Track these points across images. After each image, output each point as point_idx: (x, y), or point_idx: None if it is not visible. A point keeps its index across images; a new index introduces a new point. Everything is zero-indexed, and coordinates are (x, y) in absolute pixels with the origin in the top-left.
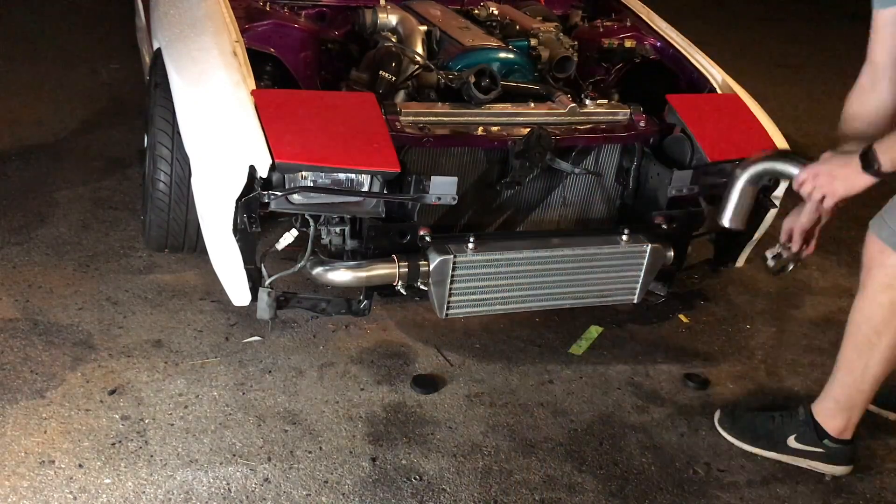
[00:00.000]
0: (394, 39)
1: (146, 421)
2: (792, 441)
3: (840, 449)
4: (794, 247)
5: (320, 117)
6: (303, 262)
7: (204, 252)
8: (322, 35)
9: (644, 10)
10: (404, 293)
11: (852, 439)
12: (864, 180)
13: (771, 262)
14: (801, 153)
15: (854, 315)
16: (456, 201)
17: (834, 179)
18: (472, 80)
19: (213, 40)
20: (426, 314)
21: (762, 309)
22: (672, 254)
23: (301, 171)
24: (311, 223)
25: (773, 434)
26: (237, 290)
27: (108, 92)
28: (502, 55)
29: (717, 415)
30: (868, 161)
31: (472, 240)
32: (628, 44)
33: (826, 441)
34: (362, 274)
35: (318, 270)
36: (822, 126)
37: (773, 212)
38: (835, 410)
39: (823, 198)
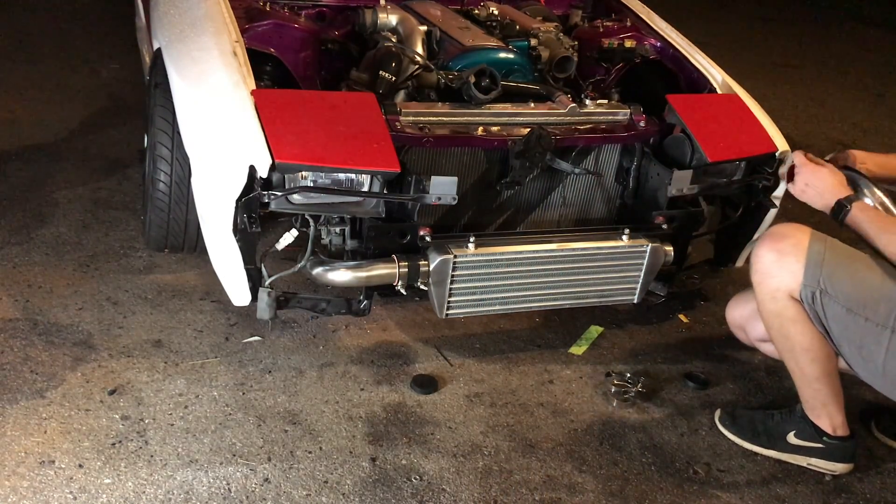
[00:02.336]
0: (394, 39)
1: (146, 421)
2: (791, 437)
3: (839, 445)
4: None
5: (320, 117)
6: (303, 262)
7: (204, 252)
8: (322, 35)
9: (644, 10)
10: (404, 293)
11: (852, 436)
12: (826, 208)
13: None
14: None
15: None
16: (456, 201)
17: (818, 195)
18: (472, 80)
19: (213, 40)
20: (426, 314)
21: None
22: (672, 254)
23: (301, 171)
24: (311, 223)
25: (773, 431)
26: (237, 290)
27: (108, 92)
28: (502, 55)
29: (717, 413)
30: (839, 211)
31: (472, 240)
32: (628, 44)
33: (825, 438)
34: (362, 274)
35: (318, 270)
36: (822, 126)
37: (773, 212)
38: (812, 411)
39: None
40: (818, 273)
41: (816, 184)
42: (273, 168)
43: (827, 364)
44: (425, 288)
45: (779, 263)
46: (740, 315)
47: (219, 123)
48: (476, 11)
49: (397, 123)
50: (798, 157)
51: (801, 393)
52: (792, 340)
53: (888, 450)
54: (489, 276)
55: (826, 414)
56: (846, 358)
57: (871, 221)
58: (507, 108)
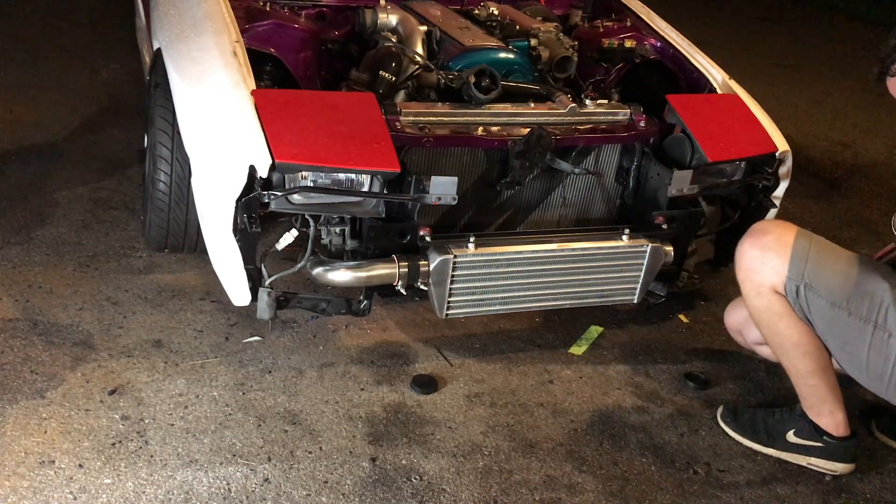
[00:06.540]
0: (394, 39)
1: (146, 421)
2: (791, 436)
3: (839, 445)
4: None
5: (320, 117)
6: (303, 262)
7: (204, 252)
8: (322, 35)
9: (644, 10)
10: (404, 293)
11: (852, 435)
12: None
13: None
14: None
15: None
16: (456, 201)
17: None
18: (472, 80)
19: (213, 40)
20: (426, 314)
21: None
22: (672, 254)
23: (301, 171)
24: (311, 223)
25: (773, 429)
26: (237, 290)
27: (108, 92)
28: (502, 55)
29: (719, 410)
30: None
31: (472, 240)
32: (628, 44)
33: (825, 437)
34: (362, 274)
35: (318, 270)
36: (822, 126)
37: (773, 212)
38: (811, 409)
39: None
40: (802, 267)
41: None
42: (273, 168)
43: (819, 358)
44: (425, 288)
45: (761, 259)
46: (736, 320)
47: (219, 123)
48: (476, 11)
49: (397, 123)
50: None
51: (798, 390)
52: (781, 336)
53: (888, 450)
54: (489, 276)
55: (826, 411)
56: (832, 352)
57: None
58: (507, 108)
